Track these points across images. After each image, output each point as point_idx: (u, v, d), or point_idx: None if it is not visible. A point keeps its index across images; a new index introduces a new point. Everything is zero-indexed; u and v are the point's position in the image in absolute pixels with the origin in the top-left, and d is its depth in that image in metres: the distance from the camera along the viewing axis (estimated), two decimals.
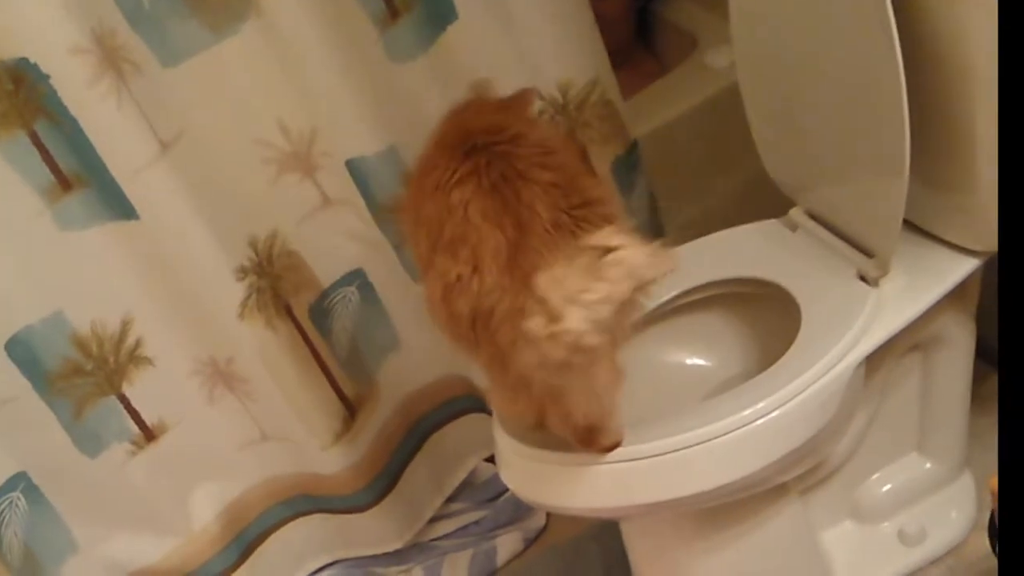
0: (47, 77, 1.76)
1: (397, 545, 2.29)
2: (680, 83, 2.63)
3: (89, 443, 2.04)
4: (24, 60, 1.75)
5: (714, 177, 2.52)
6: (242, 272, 1.97)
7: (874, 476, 1.85)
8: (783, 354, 1.56)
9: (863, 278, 1.64)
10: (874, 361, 1.59)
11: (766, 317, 1.77)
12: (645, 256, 1.22)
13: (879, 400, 1.73)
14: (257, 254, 2.00)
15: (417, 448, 2.28)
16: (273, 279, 2.02)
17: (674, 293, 1.80)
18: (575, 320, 1.19)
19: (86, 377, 2.00)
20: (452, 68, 1.98)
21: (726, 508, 1.65)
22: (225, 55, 1.85)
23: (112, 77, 1.77)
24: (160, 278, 1.96)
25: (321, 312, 2.11)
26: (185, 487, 2.16)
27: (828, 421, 1.55)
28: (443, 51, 1.98)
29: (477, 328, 1.34)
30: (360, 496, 2.21)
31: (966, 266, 1.62)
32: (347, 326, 2.14)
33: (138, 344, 2.02)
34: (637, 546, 1.85)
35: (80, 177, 1.87)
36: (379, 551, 2.30)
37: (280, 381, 2.06)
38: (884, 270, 1.61)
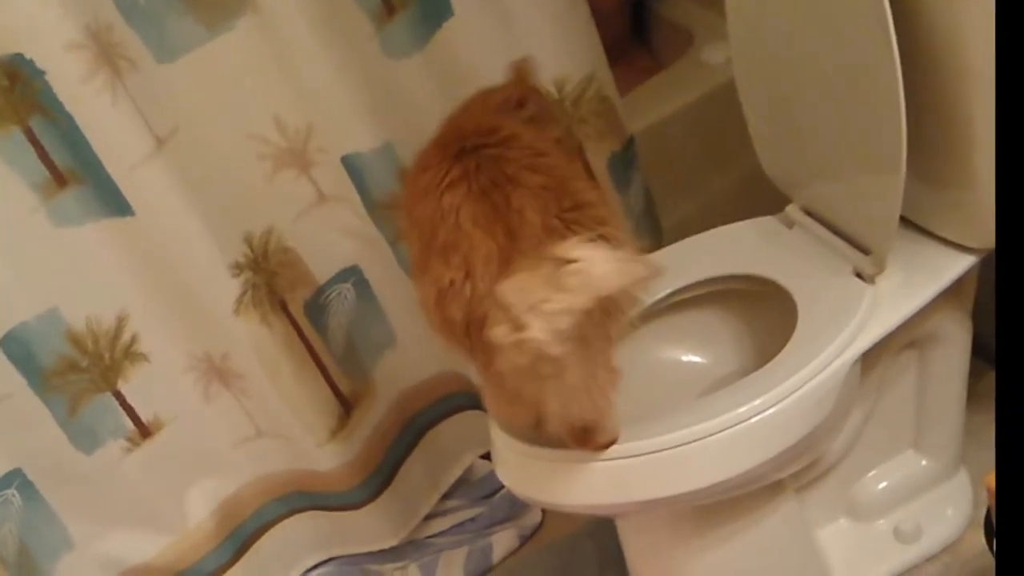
0: (42, 73, 1.76)
1: (392, 542, 2.29)
2: (676, 79, 2.63)
3: (84, 440, 2.03)
4: (19, 56, 1.75)
5: (710, 173, 2.52)
6: (237, 268, 1.97)
7: (870, 473, 1.85)
8: (779, 351, 1.56)
9: (859, 275, 1.63)
10: (870, 358, 1.59)
11: (762, 314, 1.77)
12: (608, 266, 1.21)
13: (875, 397, 1.73)
14: (253, 250, 1.99)
15: (413, 445, 2.28)
16: (269, 275, 2.02)
17: (670, 290, 1.80)
18: (536, 330, 1.18)
19: (81, 374, 2.00)
20: (448, 64, 1.98)
21: (722, 505, 1.65)
22: (220, 51, 1.85)
23: (107, 73, 1.77)
24: (155, 274, 1.96)
25: (317, 308, 2.11)
26: (180, 484, 2.16)
27: (824, 418, 1.55)
28: (439, 47, 1.98)
29: (471, 333, 1.34)
30: (355, 493, 2.21)
31: (962, 263, 1.62)
32: (343, 323, 2.14)
33: (133, 340, 2.02)
34: (633, 543, 1.85)
35: (75, 173, 1.86)
36: (374, 548, 2.30)
37: (275, 378, 2.05)
38: (880, 267, 1.61)
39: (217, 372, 2.09)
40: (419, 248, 1.40)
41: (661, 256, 1.89)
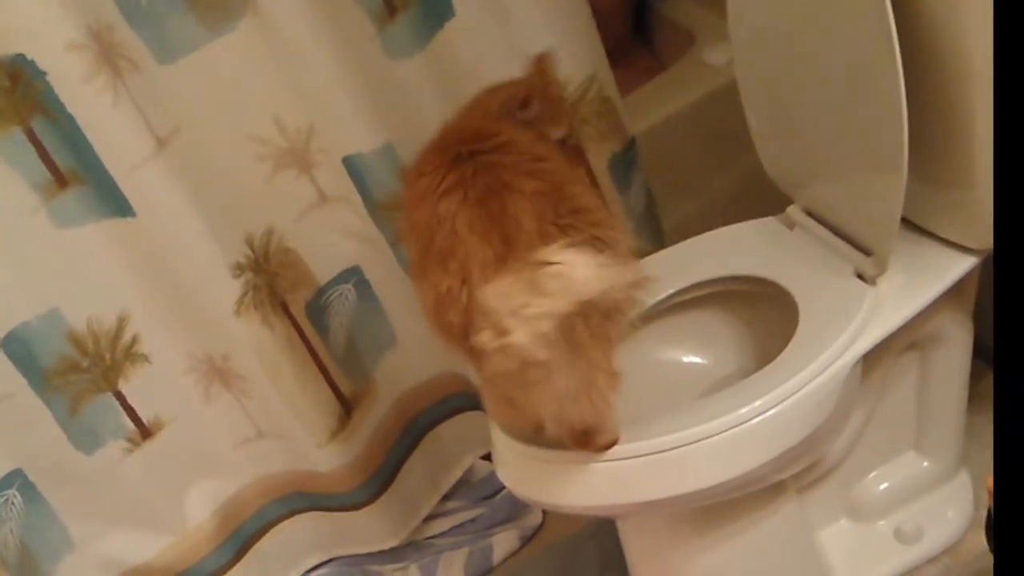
0: (44, 73, 1.76)
1: (393, 543, 2.29)
2: (678, 80, 2.62)
3: (85, 440, 2.03)
4: (21, 56, 1.75)
5: (711, 174, 2.52)
6: (238, 269, 1.97)
7: (871, 474, 1.85)
8: (780, 352, 1.56)
9: (861, 276, 1.63)
10: (871, 359, 1.59)
11: (763, 315, 1.77)
12: (589, 271, 1.21)
13: (876, 398, 1.73)
14: (253, 251, 1.99)
15: (413, 446, 2.28)
16: (269, 276, 2.02)
17: (671, 291, 1.80)
18: (519, 335, 1.18)
19: (82, 374, 2.00)
20: (449, 65, 1.98)
21: (723, 506, 1.65)
22: (222, 52, 1.85)
23: (108, 74, 1.77)
24: (156, 275, 1.96)
25: (318, 309, 2.11)
26: (181, 484, 2.16)
27: (825, 419, 1.54)
28: (440, 48, 1.98)
29: (468, 338, 1.34)
30: (356, 494, 2.21)
31: (964, 264, 1.62)
32: (344, 323, 2.14)
33: (134, 341, 2.02)
34: (633, 544, 1.84)
35: (76, 174, 1.86)
36: (375, 549, 2.30)
37: (276, 378, 2.05)
38: (882, 268, 1.61)
39: (218, 373, 2.09)
40: (418, 251, 1.41)
41: (662, 257, 1.89)
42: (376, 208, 2.01)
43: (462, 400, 2.27)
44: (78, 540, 2.11)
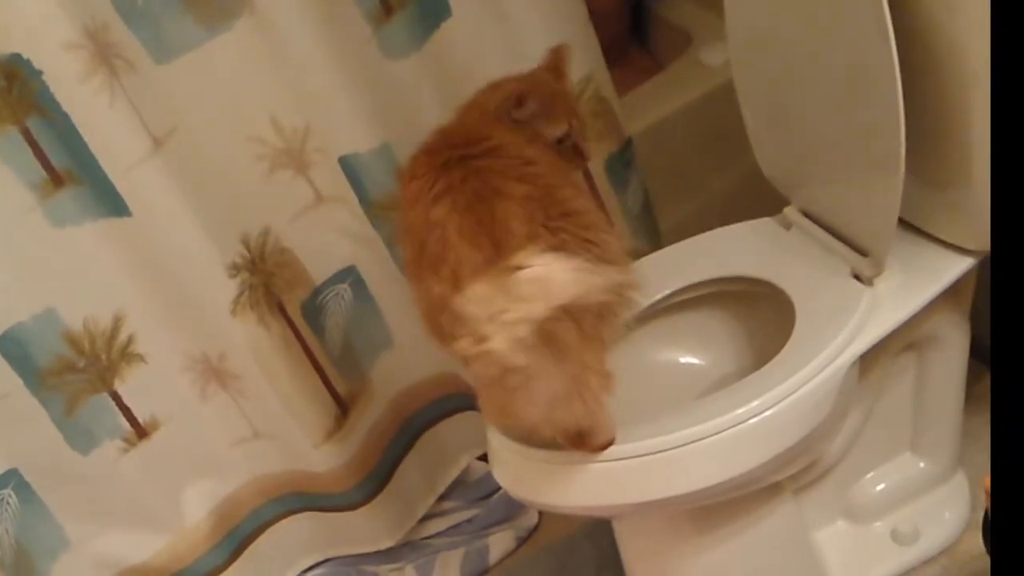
0: (40, 73, 1.76)
1: (389, 543, 2.29)
2: (675, 80, 2.62)
3: (81, 440, 2.03)
4: (17, 56, 1.75)
5: (709, 174, 2.52)
6: (234, 269, 1.97)
7: (868, 475, 1.85)
8: (777, 353, 1.56)
9: (857, 277, 1.63)
10: (868, 360, 1.59)
11: (760, 316, 1.77)
12: (565, 275, 1.21)
13: (873, 399, 1.73)
14: (250, 251, 1.99)
15: (409, 446, 2.28)
16: (266, 276, 2.02)
17: (668, 291, 1.80)
18: (497, 341, 1.18)
19: (78, 374, 2.00)
20: (446, 65, 1.98)
21: (719, 507, 1.65)
22: (218, 52, 1.85)
23: (105, 73, 1.77)
24: (152, 275, 1.96)
25: (314, 309, 2.11)
26: (177, 484, 2.16)
27: (822, 420, 1.54)
28: (437, 48, 1.98)
29: None
30: (352, 494, 2.20)
31: (961, 265, 1.62)
32: (340, 323, 2.14)
33: (130, 341, 2.02)
34: (630, 545, 1.84)
35: (72, 173, 1.86)
36: (371, 549, 2.30)
37: (272, 378, 2.05)
38: (879, 269, 1.61)
39: (214, 373, 2.09)
40: (412, 254, 1.41)
41: (659, 257, 1.90)
42: (372, 208, 2.01)
43: (458, 400, 2.27)
44: (74, 540, 2.10)
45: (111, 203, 1.88)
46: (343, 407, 2.15)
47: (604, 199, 2.14)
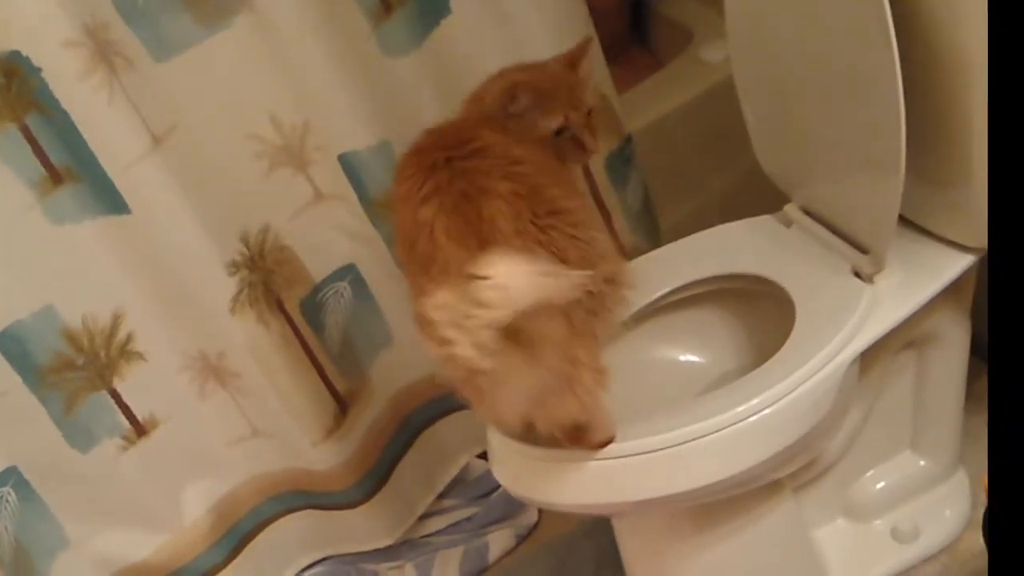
0: (39, 70, 1.76)
1: (388, 542, 2.28)
2: (675, 77, 2.62)
3: (80, 438, 2.03)
4: (16, 53, 1.75)
5: (709, 172, 2.52)
6: (234, 267, 1.97)
7: (868, 474, 1.85)
8: (777, 350, 1.55)
9: (858, 274, 1.63)
10: (868, 358, 1.59)
11: (760, 313, 1.77)
12: (525, 279, 1.21)
13: (873, 397, 1.73)
14: (249, 249, 1.99)
15: (409, 444, 2.28)
16: (265, 274, 2.02)
17: (668, 289, 1.80)
18: (461, 346, 1.19)
19: (77, 372, 2.00)
20: (446, 62, 1.97)
21: (719, 505, 1.65)
22: (217, 49, 1.85)
23: (104, 71, 1.77)
24: (151, 273, 1.96)
25: (313, 307, 2.11)
26: (176, 482, 2.15)
27: (822, 418, 1.54)
28: (436, 45, 1.97)
29: None
30: (351, 492, 2.20)
31: (961, 263, 1.61)
32: (339, 321, 2.14)
33: (129, 339, 2.02)
34: (629, 543, 1.84)
35: (71, 171, 1.86)
36: (370, 547, 2.29)
37: (271, 376, 2.05)
38: (879, 266, 1.60)
39: (213, 371, 2.08)
40: (403, 251, 1.43)
41: (659, 255, 1.90)
42: (372, 206, 2.01)
43: (458, 399, 2.26)
44: (73, 538, 2.10)
45: (110, 201, 1.88)
46: (342, 405, 2.15)
47: (604, 196, 2.14)
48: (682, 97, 2.51)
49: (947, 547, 1.85)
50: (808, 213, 1.78)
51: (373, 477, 2.22)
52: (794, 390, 1.49)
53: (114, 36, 1.78)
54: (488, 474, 2.24)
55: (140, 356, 2.04)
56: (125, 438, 2.06)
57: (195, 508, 2.17)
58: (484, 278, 1.18)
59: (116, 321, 1.99)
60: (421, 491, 2.32)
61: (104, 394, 2.03)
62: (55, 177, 1.86)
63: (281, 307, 2.05)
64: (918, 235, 1.66)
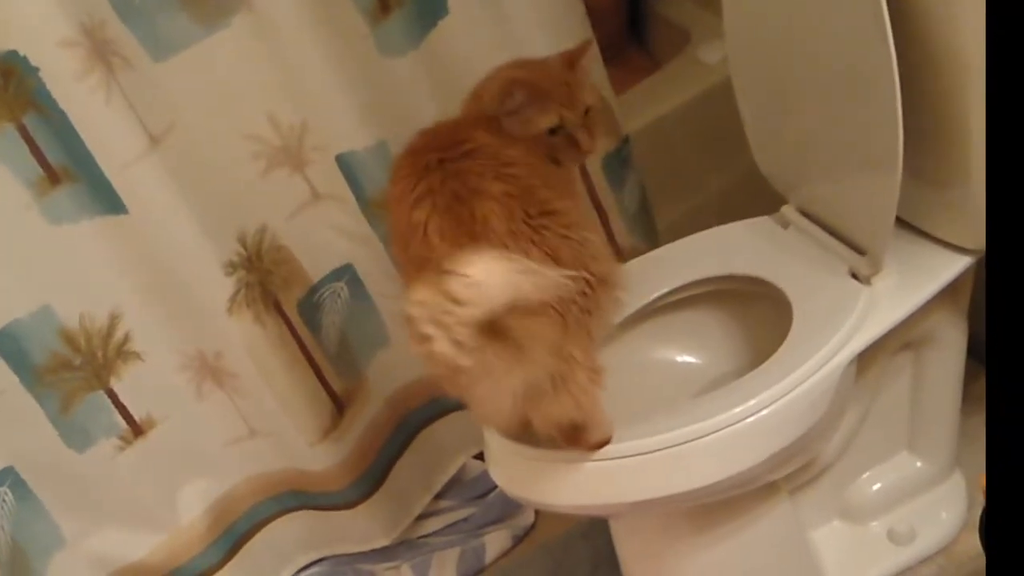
0: (36, 70, 1.76)
1: (385, 542, 2.28)
2: (672, 78, 2.62)
3: (77, 438, 2.03)
4: (13, 53, 1.74)
5: (706, 173, 2.52)
6: (231, 267, 1.97)
7: (864, 475, 1.85)
8: (774, 352, 1.55)
9: (855, 276, 1.63)
10: (865, 359, 1.59)
11: (757, 314, 1.77)
12: (502, 278, 1.22)
13: (870, 399, 1.73)
14: (246, 249, 1.99)
15: (406, 444, 2.28)
16: (262, 274, 2.02)
17: (665, 290, 1.80)
18: (440, 343, 1.19)
19: (74, 371, 1.99)
20: (443, 63, 1.97)
21: (716, 506, 1.65)
22: (215, 49, 1.85)
23: (102, 71, 1.76)
24: (149, 273, 1.96)
25: (310, 307, 2.11)
26: (173, 482, 2.15)
27: (819, 419, 1.54)
28: (434, 46, 1.97)
29: None
30: (348, 492, 2.20)
31: (959, 264, 1.62)
32: (336, 321, 2.14)
33: (126, 339, 2.02)
34: (626, 544, 1.84)
35: (69, 171, 1.86)
36: (367, 548, 2.29)
37: (268, 376, 2.05)
38: (876, 268, 1.60)
39: (210, 371, 2.08)
40: (399, 251, 1.45)
41: (656, 256, 1.90)
42: (369, 206, 2.01)
43: (454, 399, 2.26)
44: (69, 538, 2.10)
45: (108, 201, 1.88)
46: (339, 405, 2.15)
47: (601, 197, 2.14)
48: (679, 98, 2.51)
49: (943, 549, 1.85)
50: (805, 214, 1.78)
51: (370, 477, 2.22)
52: (791, 391, 1.49)
53: (111, 35, 1.78)
54: (485, 475, 2.24)
55: (137, 356, 2.03)
56: (122, 438, 2.06)
57: (192, 508, 2.17)
58: (462, 275, 1.19)
59: (113, 321, 1.99)
60: (418, 492, 2.32)
61: (101, 394, 2.03)
62: (52, 177, 1.86)
63: (278, 307, 2.04)
64: (915, 236, 1.66)
